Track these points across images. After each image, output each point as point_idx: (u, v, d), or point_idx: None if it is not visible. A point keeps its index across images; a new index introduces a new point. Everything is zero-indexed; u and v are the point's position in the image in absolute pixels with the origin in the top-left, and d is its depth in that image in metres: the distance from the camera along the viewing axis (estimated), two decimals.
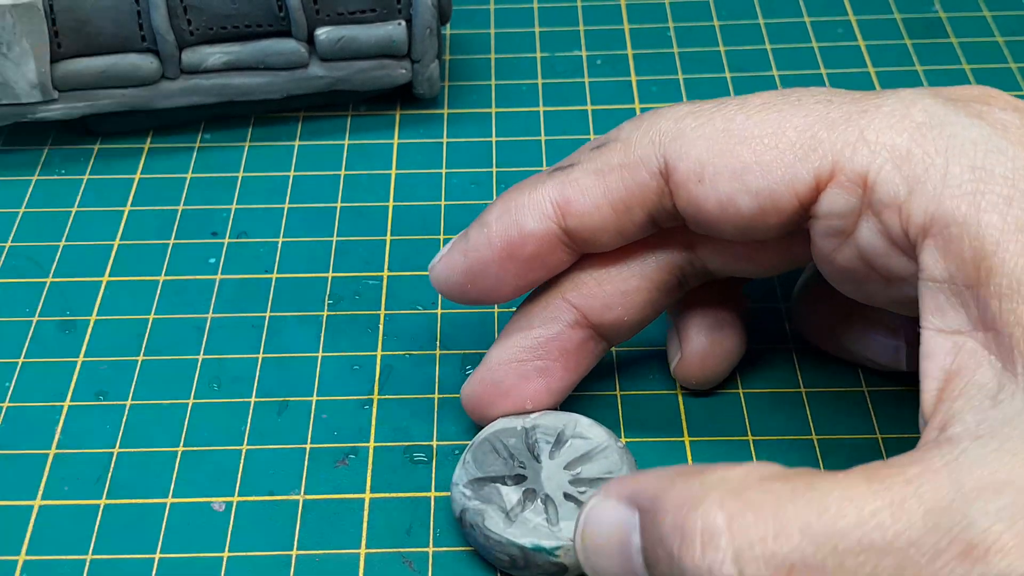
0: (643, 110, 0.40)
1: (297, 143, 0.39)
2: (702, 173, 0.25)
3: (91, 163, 0.39)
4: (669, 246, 0.28)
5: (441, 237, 0.36)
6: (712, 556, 0.20)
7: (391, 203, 0.37)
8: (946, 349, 0.22)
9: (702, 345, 0.29)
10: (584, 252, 0.27)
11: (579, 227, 0.26)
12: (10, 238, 0.36)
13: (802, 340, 0.32)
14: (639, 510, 0.22)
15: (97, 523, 0.28)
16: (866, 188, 0.23)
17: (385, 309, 0.34)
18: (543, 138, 0.39)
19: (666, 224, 0.27)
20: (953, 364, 0.22)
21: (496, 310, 0.33)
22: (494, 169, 0.38)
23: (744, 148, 0.25)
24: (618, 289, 0.28)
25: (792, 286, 0.33)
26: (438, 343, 0.33)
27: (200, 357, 0.32)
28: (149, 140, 0.40)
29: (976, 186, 0.22)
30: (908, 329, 0.29)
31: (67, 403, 0.31)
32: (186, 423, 0.31)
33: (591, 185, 0.26)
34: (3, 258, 0.35)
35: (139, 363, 0.32)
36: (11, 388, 0.32)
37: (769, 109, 0.25)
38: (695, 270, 0.28)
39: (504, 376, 0.28)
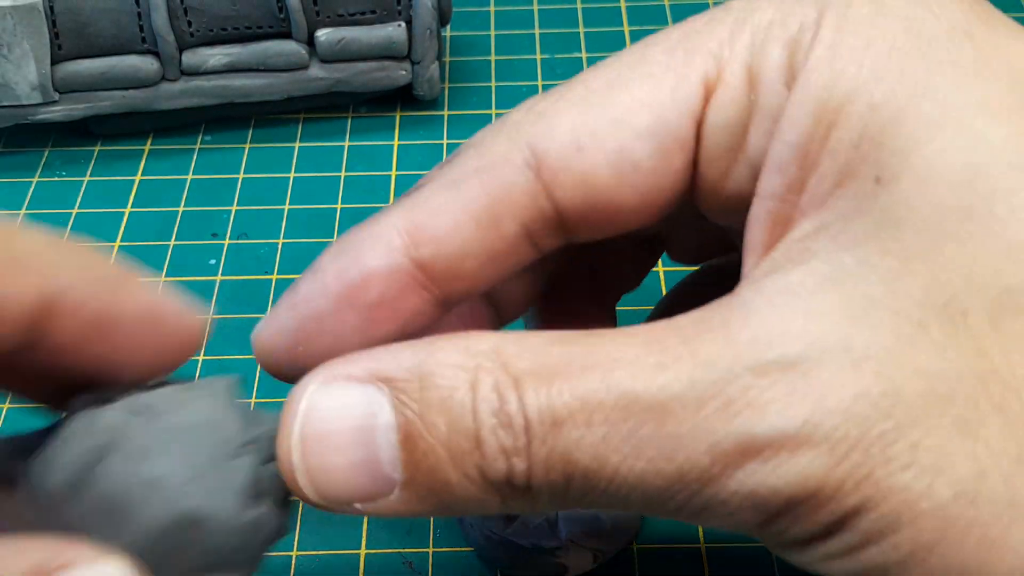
0: None
1: (297, 144, 0.39)
2: (578, 138, 0.21)
3: (92, 165, 0.39)
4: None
5: None
6: (534, 401, 0.19)
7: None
8: (767, 212, 0.20)
9: None
10: (445, 295, 0.22)
11: (436, 256, 0.21)
12: None
13: None
14: (388, 385, 0.20)
15: None
16: (752, 77, 0.21)
17: None
18: None
19: (544, 240, 0.22)
20: (771, 232, 0.20)
21: None
22: None
23: (616, 93, 0.21)
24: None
25: None
26: None
27: (200, 358, 0.32)
28: (149, 142, 0.40)
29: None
30: None
31: None
32: None
33: (445, 201, 0.21)
34: None
35: None
36: None
37: (624, 56, 0.22)
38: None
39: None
